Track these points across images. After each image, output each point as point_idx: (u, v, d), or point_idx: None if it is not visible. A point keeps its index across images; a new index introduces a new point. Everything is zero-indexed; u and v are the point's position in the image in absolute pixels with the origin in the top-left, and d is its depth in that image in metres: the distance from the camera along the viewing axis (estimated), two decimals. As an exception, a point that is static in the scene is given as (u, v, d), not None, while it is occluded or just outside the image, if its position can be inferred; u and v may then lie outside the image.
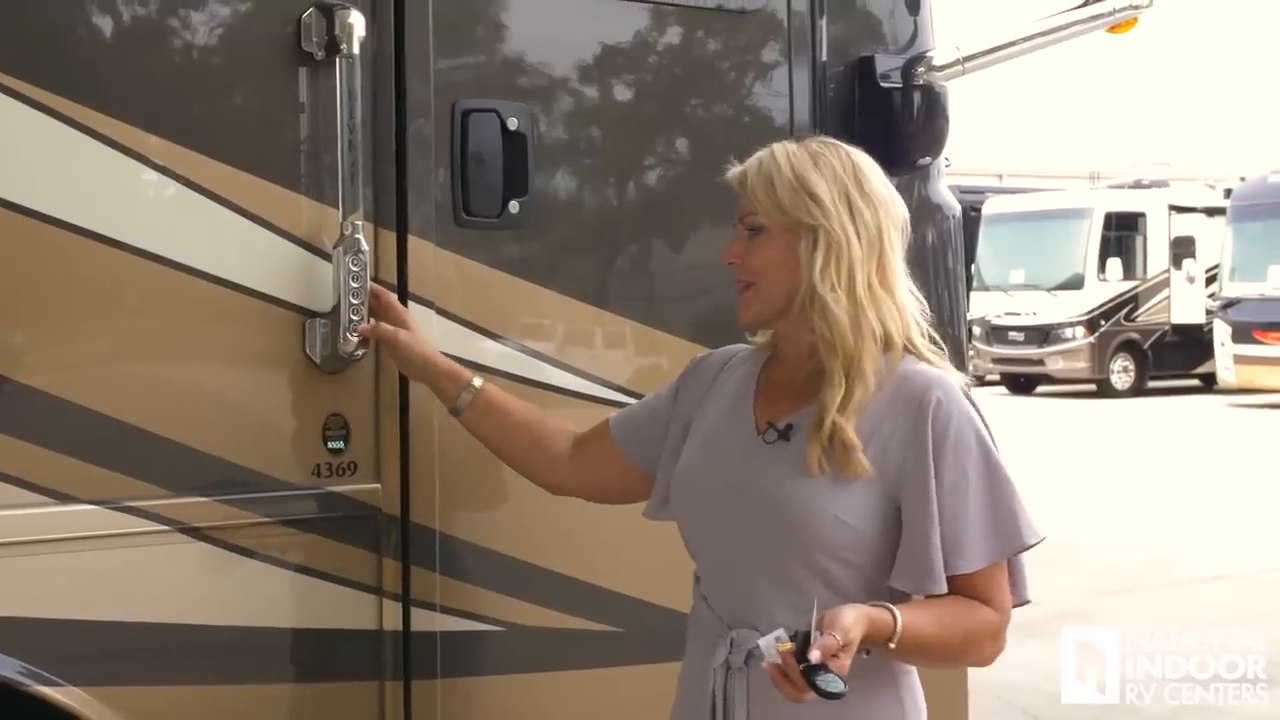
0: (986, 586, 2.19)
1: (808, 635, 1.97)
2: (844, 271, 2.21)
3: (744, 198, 2.29)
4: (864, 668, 2.11)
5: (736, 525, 2.24)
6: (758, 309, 2.29)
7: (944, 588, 2.15)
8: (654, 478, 2.47)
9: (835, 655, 1.96)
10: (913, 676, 2.29)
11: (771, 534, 2.20)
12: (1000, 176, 33.48)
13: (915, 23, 3.43)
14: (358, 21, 2.62)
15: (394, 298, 2.68)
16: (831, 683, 1.95)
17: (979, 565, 2.17)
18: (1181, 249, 23.18)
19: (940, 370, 2.26)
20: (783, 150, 2.29)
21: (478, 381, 2.61)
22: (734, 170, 2.32)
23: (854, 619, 2.01)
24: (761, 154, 2.31)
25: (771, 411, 2.30)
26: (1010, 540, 2.19)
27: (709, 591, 2.32)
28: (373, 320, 2.61)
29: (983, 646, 2.21)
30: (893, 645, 2.08)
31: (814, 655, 1.95)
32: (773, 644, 1.99)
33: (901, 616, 2.08)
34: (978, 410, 2.24)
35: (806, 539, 2.17)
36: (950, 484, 2.16)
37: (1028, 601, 2.28)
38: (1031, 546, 2.21)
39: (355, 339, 2.62)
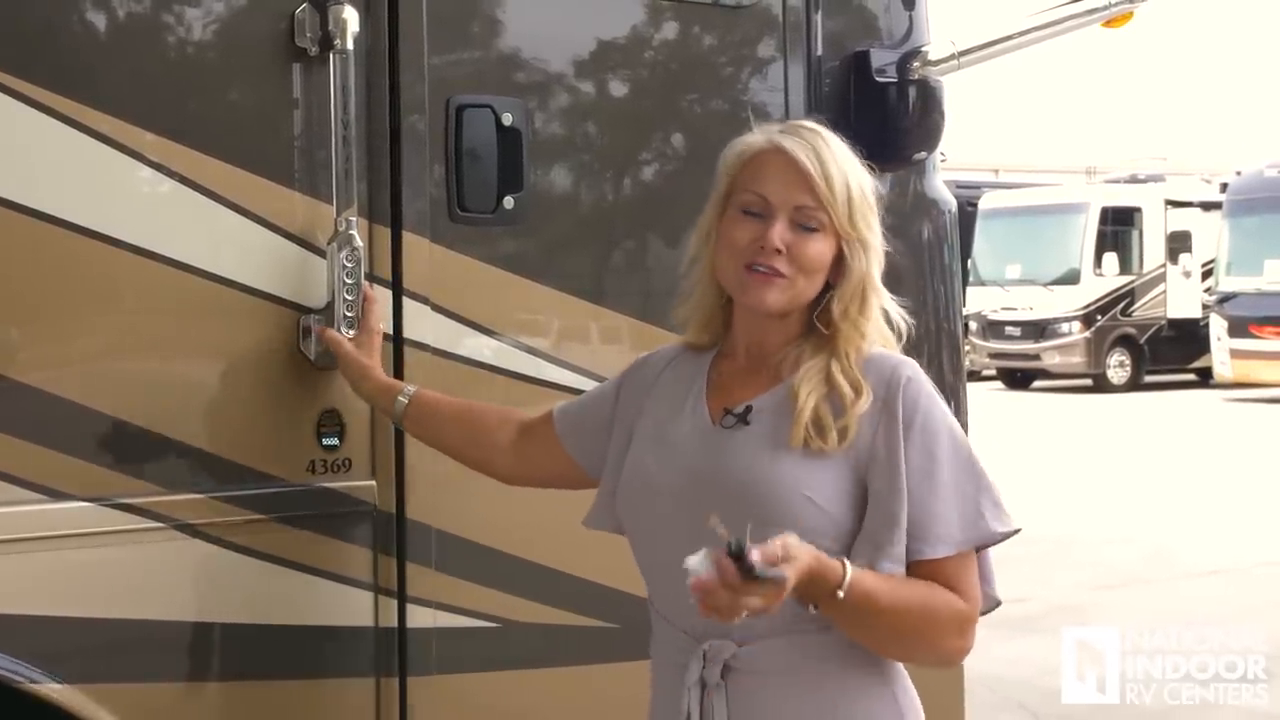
0: (954, 576, 2.08)
1: (741, 546, 1.81)
2: (876, 281, 2.19)
3: (810, 190, 2.12)
4: (855, 663, 2.08)
5: (696, 520, 2.02)
6: (786, 300, 2.15)
7: (900, 569, 2.05)
8: (592, 470, 2.38)
9: (776, 564, 1.85)
10: (904, 673, 2.19)
11: (735, 520, 1.95)
12: (996, 171, 33.49)
13: (910, 17, 3.42)
14: (351, 17, 2.62)
15: (378, 300, 2.68)
16: (772, 570, 1.82)
17: (945, 552, 2.07)
18: (1177, 243, 23.20)
19: (901, 355, 2.20)
20: (842, 150, 2.17)
21: (411, 388, 2.58)
22: (803, 157, 2.12)
23: (795, 540, 1.90)
24: (823, 147, 2.15)
25: (726, 399, 2.20)
26: (980, 529, 2.10)
27: (668, 608, 2.18)
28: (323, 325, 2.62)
29: (944, 633, 2.09)
30: (841, 594, 1.95)
31: (754, 556, 1.81)
32: (703, 558, 1.85)
33: (852, 568, 1.98)
34: (939, 394, 2.19)
35: (771, 519, 2.01)
36: (919, 466, 2.08)
37: (998, 603, 2.19)
38: (1004, 537, 2.13)
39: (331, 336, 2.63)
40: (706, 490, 2.11)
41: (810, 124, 2.20)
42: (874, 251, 2.18)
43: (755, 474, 2.10)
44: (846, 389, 2.11)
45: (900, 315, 2.22)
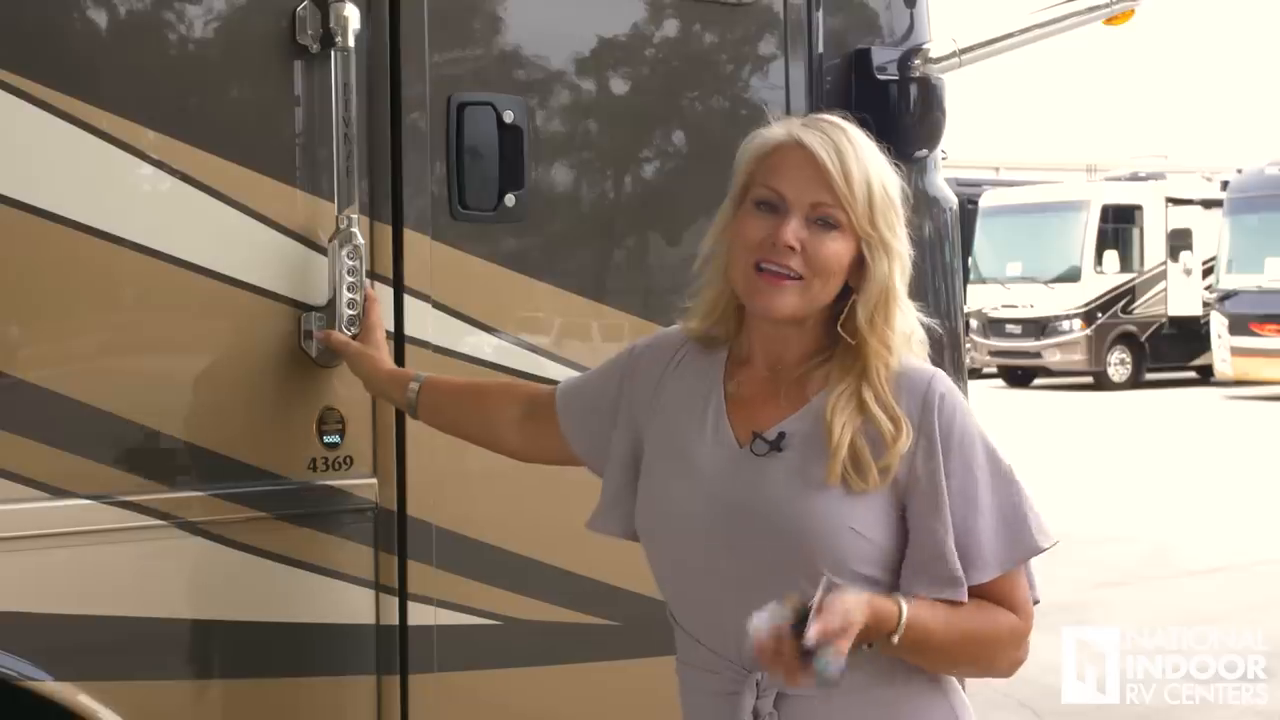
0: (1006, 591, 2.05)
1: (806, 612, 1.81)
2: (900, 290, 2.08)
3: (828, 187, 2.03)
4: (912, 677, 2.03)
5: (734, 550, 2.04)
6: (798, 304, 2.04)
7: (964, 594, 2.01)
8: (594, 464, 2.31)
9: (835, 639, 1.81)
10: (957, 682, 2.15)
11: (778, 553, 2.01)
12: (997, 169, 33.50)
13: (912, 15, 3.43)
14: (352, 14, 2.62)
15: (378, 299, 2.67)
16: (830, 665, 1.79)
17: (993, 574, 2.02)
18: (1178, 241, 23.20)
19: (930, 365, 2.12)
20: (866, 147, 2.07)
21: (421, 375, 2.56)
22: (822, 153, 2.03)
23: (855, 602, 1.86)
24: (845, 143, 2.05)
25: (752, 420, 2.10)
26: (1023, 545, 2.05)
27: (704, 633, 2.10)
28: (325, 330, 2.63)
29: (1001, 654, 2.06)
30: (895, 639, 1.94)
31: (811, 635, 1.79)
32: (767, 619, 1.83)
33: (908, 609, 1.95)
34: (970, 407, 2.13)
35: (817, 554, 1.98)
36: (960, 487, 2.02)
37: (1036, 601, 2.13)
38: (1044, 550, 2.07)
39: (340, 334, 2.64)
40: (742, 521, 2.04)
41: (833, 118, 2.10)
42: (897, 256, 2.07)
43: (796, 508, 2.02)
44: (885, 423, 2.01)
45: (926, 324, 2.13)
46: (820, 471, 2.01)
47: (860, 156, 2.05)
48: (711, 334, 2.20)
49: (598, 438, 2.29)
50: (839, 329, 2.07)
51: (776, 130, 2.10)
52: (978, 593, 2.04)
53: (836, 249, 2.04)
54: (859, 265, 2.06)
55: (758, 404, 2.12)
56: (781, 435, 2.07)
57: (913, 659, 2.02)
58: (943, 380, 2.07)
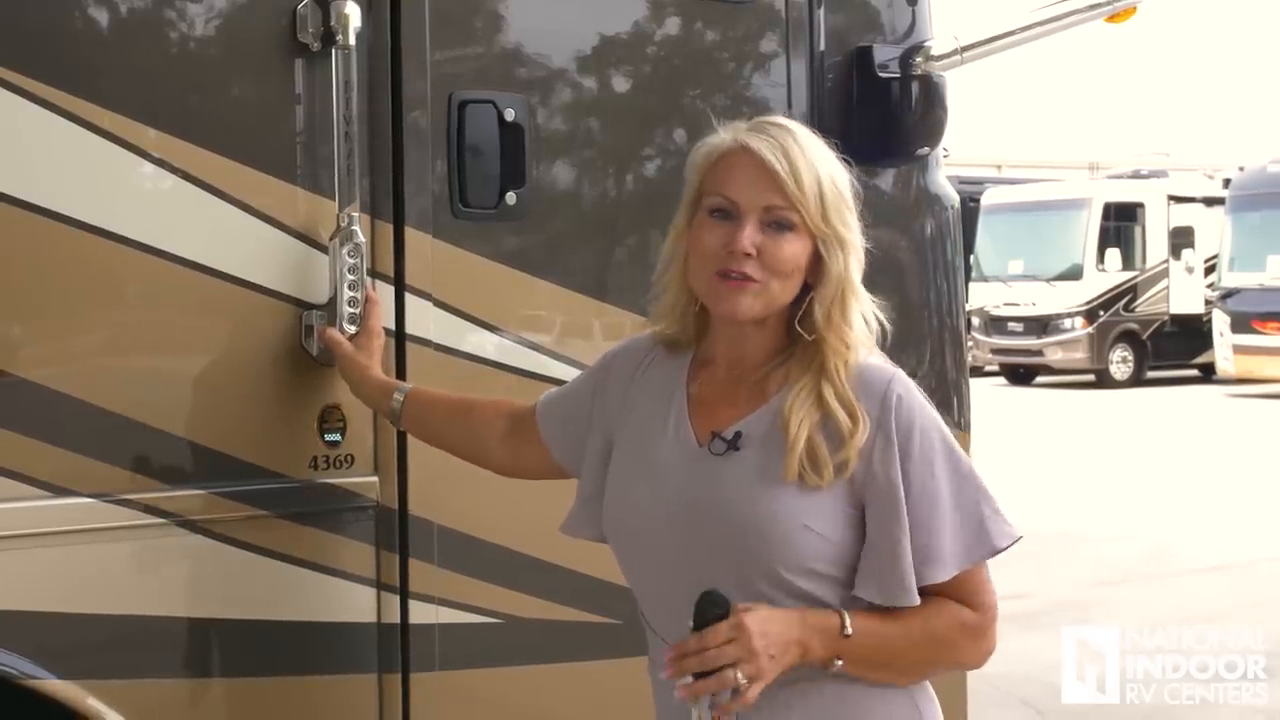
0: (964, 587, 2.06)
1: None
2: (856, 283, 2.10)
3: (779, 189, 2.05)
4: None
5: (692, 549, 2.06)
6: (760, 306, 2.07)
7: (915, 600, 2.02)
8: (571, 464, 2.33)
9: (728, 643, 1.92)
10: (925, 681, 2.15)
11: (734, 552, 2.03)
12: (999, 167, 33.51)
13: (913, 12, 3.42)
14: (353, 12, 2.62)
15: (379, 302, 2.68)
16: (709, 703, 1.94)
17: (950, 573, 2.03)
18: (1180, 239, 23.20)
19: (891, 364, 2.12)
20: (813, 146, 2.08)
21: (406, 387, 2.57)
22: (770, 156, 2.05)
23: (768, 615, 1.96)
24: (791, 144, 2.06)
25: (712, 419, 2.12)
26: (982, 544, 2.06)
27: (669, 632, 2.09)
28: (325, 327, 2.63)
29: (962, 649, 2.09)
30: (848, 630, 1.99)
31: (678, 694, 1.96)
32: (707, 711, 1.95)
33: (856, 619, 1.99)
34: (931, 406, 2.11)
35: (772, 553, 2.01)
36: (919, 486, 2.02)
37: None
38: (1003, 549, 2.07)
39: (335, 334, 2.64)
40: (701, 520, 2.07)
41: (779, 120, 2.14)
42: (852, 249, 2.09)
43: (752, 506, 2.03)
44: (842, 417, 2.03)
45: (880, 318, 2.13)
46: (778, 468, 2.03)
47: (808, 156, 2.07)
48: (675, 338, 2.23)
49: (576, 441, 2.31)
50: (797, 326, 2.09)
51: (723, 136, 2.12)
52: (936, 590, 2.05)
53: (793, 250, 2.06)
54: (815, 262, 2.09)
55: (719, 404, 2.14)
56: (739, 435, 2.09)
57: (875, 673, 2.05)
58: (902, 380, 2.08)
